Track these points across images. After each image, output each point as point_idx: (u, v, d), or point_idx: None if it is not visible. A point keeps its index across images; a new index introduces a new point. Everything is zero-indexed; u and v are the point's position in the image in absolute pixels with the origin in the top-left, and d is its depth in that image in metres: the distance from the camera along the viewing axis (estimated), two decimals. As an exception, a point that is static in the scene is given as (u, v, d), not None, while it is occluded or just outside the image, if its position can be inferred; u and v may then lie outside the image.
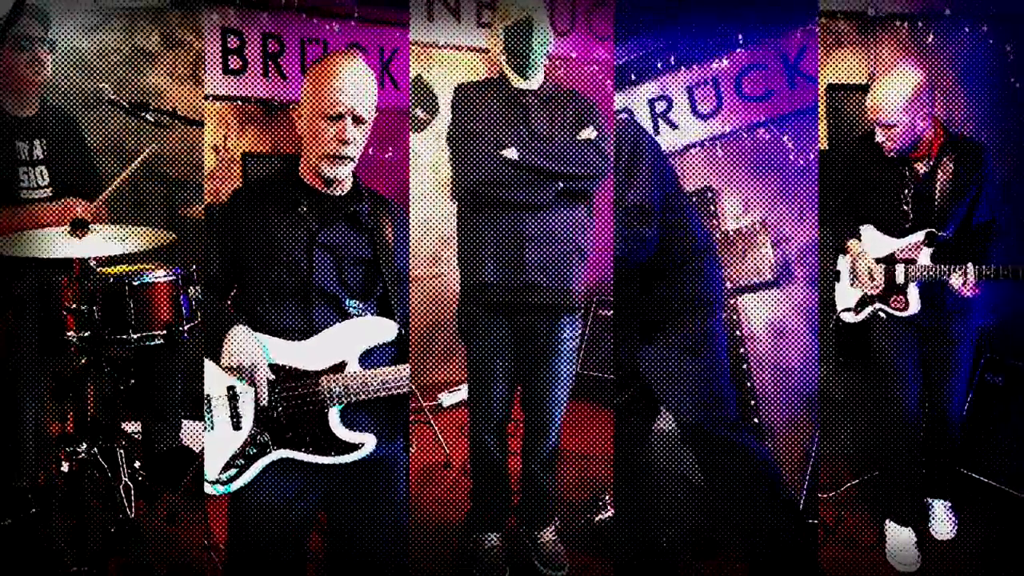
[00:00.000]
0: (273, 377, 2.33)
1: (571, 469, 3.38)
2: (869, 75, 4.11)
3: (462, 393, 3.98)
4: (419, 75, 4.17)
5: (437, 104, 3.95)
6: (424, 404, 3.69)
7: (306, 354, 2.36)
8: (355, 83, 2.36)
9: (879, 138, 3.07)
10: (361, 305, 2.43)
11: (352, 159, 2.40)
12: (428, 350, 4.21)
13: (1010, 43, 3.75)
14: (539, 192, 2.75)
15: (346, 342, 2.37)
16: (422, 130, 4.20)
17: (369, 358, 2.40)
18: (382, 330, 2.41)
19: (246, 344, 2.31)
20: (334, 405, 2.34)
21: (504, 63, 2.82)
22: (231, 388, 2.33)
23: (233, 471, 2.31)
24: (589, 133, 2.82)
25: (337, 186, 2.44)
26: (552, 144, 2.79)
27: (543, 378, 2.95)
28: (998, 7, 3.77)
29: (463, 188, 2.84)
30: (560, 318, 2.91)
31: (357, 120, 2.37)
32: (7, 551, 3.03)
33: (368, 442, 2.34)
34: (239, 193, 2.52)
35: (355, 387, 2.34)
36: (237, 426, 2.33)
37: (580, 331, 2.97)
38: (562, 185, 2.78)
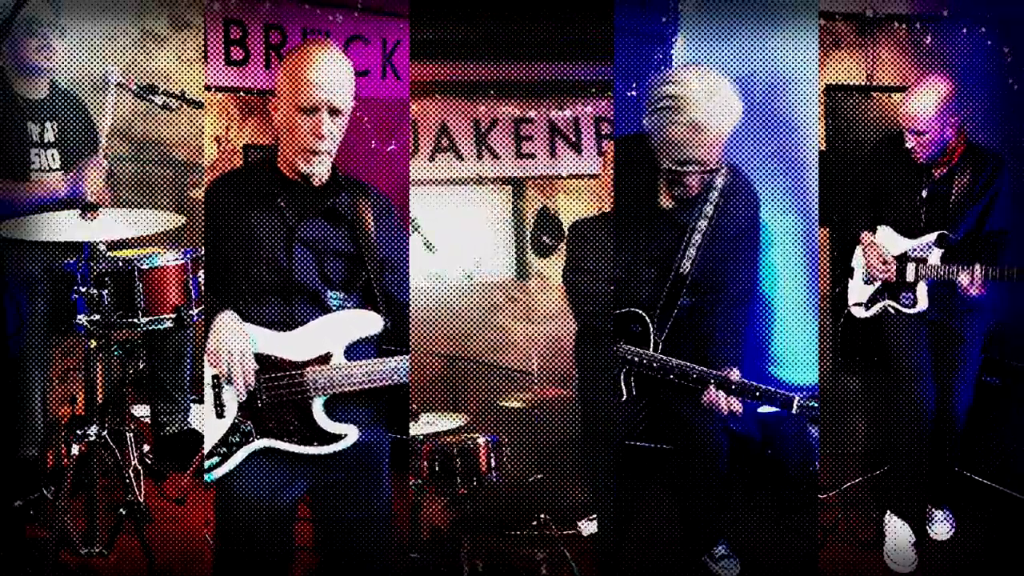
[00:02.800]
0: (258, 367, 2.29)
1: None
2: (868, 75, 4.09)
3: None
4: (545, 205, 4.40)
5: (563, 230, 4.11)
6: (557, 531, 3.36)
7: (292, 345, 2.32)
8: (331, 74, 2.29)
9: (910, 144, 3.11)
10: (343, 297, 2.39)
11: (328, 153, 2.34)
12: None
13: (1008, 45, 3.74)
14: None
15: (332, 334, 2.34)
16: (549, 255, 4.41)
17: (355, 350, 2.36)
18: (368, 323, 2.37)
19: (233, 332, 2.27)
20: (318, 396, 2.31)
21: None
22: (215, 377, 2.30)
23: (216, 459, 2.28)
24: None
25: (315, 178, 2.37)
26: None
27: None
28: (996, 9, 3.76)
29: (579, 320, 2.88)
30: None
31: (333, 112, 2.30)
32: (17, 532, 3.01)
33: (351, 433, 2.32)
34: (216, 184, 2.46)
35: (339, 379, 2.31)
36: (220, 414, 2.30)
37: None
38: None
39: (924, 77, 3.12)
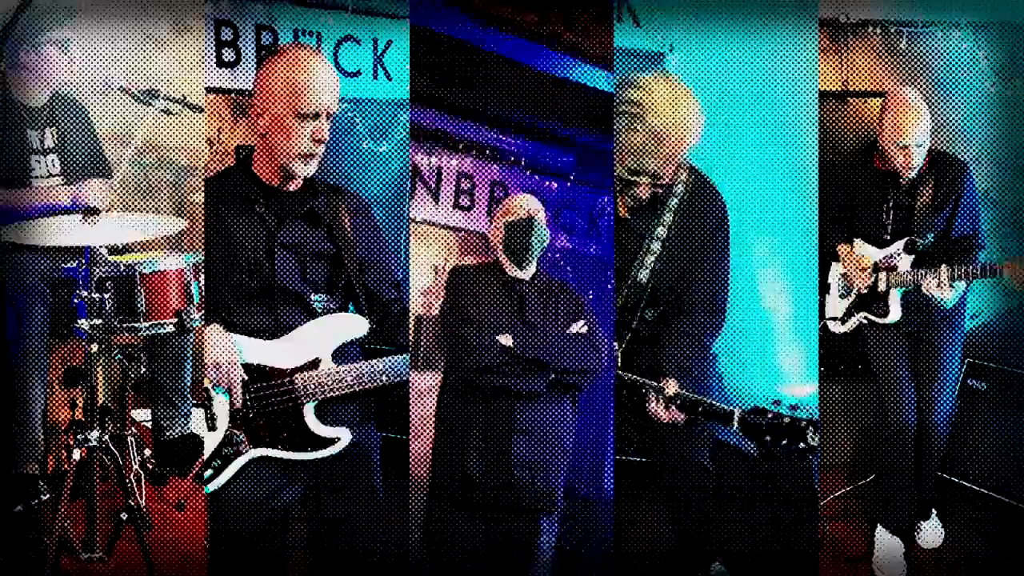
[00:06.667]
0: (247, 377, 2.28)
1: None
2: (843, 81, 4.08)
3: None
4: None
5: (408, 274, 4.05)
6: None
7: (279, 353, 2.30)
8: (329, 80, 2.30)
9: (899, 160, 3.05)
10: (326, 298, 2.38)
11: (319, 156, 2.34)
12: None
13: (983, 49, 3.75)
14: (532, 381, 2.64)
15: (319, 339, 2.32)
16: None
17: (342, 352, 2.35)
18: (354, 326, 2.37)
19: (221, 344, 2.25)
20: (309, 402, 2.30)
21: (501, 252, 2.80)
22: (205, 390, 2.28)
23: (210, 471, 2.26)
24: (580, 327, 2.75)
25: (293, 182, 2.36)
26: (545, 335, 2.72)
27: None
28: (970, 15, 3.77)
29: (455, 372, 2.73)
30: (540, 521, 2.70)
31: (329, 117, 2.31)
32: (18, 537, 2.98)
33: (344, 436, 2.31)
34: (207, 185, 2.44)
35: (330, 384, 2.30)
36: (212, 427, 2.28)
37: (557, 535, 2.76)
38: (553, 376, 2.67)
39: (898, 89, 3.10)
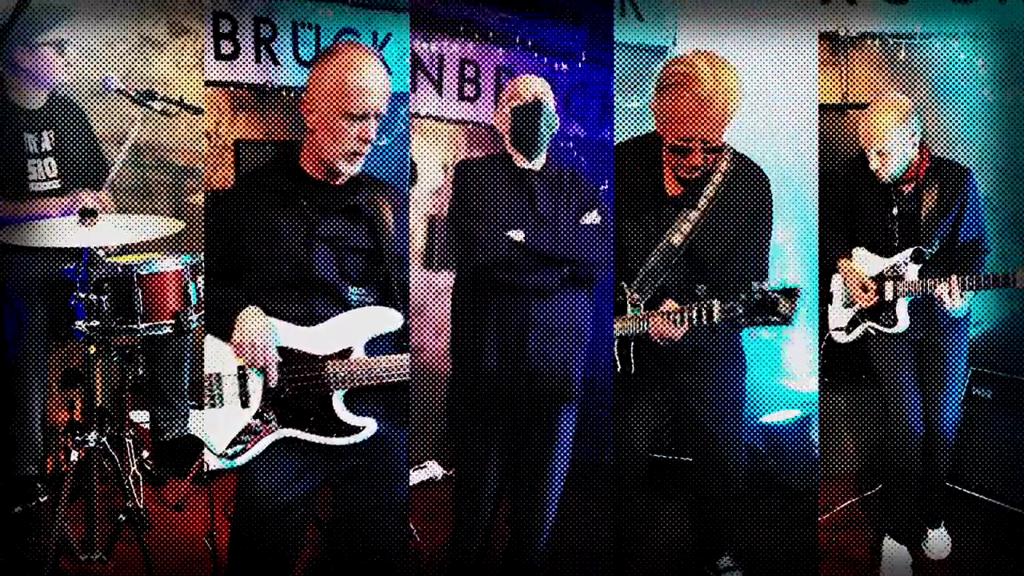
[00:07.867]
0: (281, 359, 2.33)
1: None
2: (842, 94, 4.08)
3: (429, 470, 3.68)
4: (398, 143, 4.27)
5: (416, 172, 3.88)
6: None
7: (314, 339, 2.36)
8: (380, 82, 2.33)
9: (874, 165, 3.06)
10: (362, 292, 2.42)
11: (365, 154, 2.37)
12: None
13: (982, 58, 3.76)
14: (545, 277, 2.64)
15: (353, 330, 2.37)
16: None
17: (374, 346, 2.39)
18: (388, 320, 2.41)
19: (258, 325, 2.30)
20: (339, 389, 2.35)
21: (509, 142, 2.74)
22: (241, 367, 2.34)
23: (239, 447, 2.33)
24: (593, 218, 2.73)
25: (340, 177, 2.40)
26: (557, 228, 2.69)
27: (538, 473, 2.75)
28: (968, 25, 3.77)
29: (467, 269, 2.72)
30: (560, 408, 2.75)
31: (378, 117, 2.34)
32: (17, 538, 2.99)
33: (369, 425, 2.35)
34: (240, 183, 2.48)
35: (359, 373, 2.35)
36: (245, 404, 2.34)
37: (576, 421, 2.80)
38: (567, 270, 2.67)
39: (881, 95, 3.11)
